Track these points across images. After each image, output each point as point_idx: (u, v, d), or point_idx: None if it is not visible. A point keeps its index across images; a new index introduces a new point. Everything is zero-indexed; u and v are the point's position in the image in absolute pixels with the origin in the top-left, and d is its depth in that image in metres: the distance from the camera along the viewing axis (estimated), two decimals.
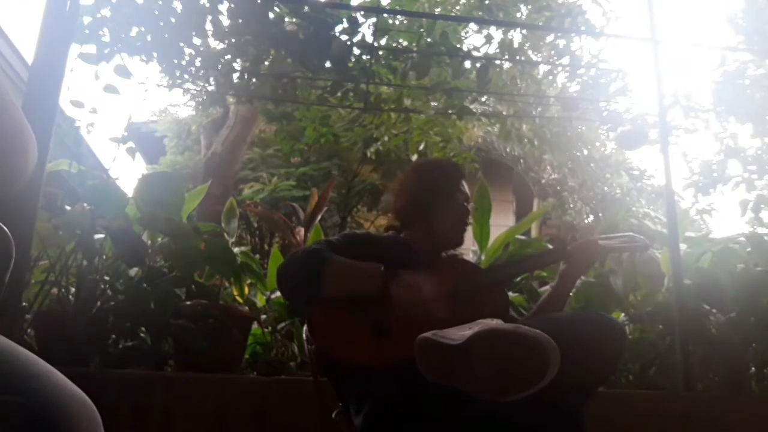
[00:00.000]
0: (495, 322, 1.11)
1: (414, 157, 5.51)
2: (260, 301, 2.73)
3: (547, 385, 0.99)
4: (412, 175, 1.65)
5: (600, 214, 9.75)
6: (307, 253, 1.39)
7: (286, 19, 3.50)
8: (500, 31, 6.40)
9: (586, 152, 9.78)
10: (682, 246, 2.87)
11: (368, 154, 6.58)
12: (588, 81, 6.32)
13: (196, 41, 3.52)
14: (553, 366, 0.98)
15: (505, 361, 1.02)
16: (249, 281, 2.73)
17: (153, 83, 4.29)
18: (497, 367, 1.02)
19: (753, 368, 2.68)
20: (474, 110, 4.69)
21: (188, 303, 2.32)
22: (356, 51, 3.63)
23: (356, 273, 1.36)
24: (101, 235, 2.36)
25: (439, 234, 1.55)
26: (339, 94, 3.82)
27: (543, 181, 10.52)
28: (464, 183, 1.61)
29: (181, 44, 3.45)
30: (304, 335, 1.46)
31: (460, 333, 1.05)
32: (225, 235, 2.81)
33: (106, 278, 2.34)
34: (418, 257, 1.51)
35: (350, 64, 3.59)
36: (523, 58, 6.30)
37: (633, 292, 2.78)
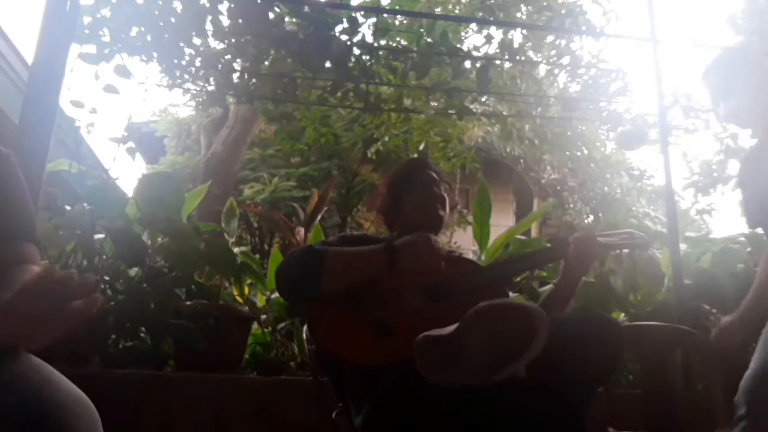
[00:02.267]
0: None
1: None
2: (260, 301, 2.73)
3: (548, 382, 0.99)
4: (383, 182, 1.74)
5: (600, 214, 9.75)
6: (304, 251, 1.39)
7: (286, 19, 3.50)
8: (500, 31, 6.40)
9: (586, 152, 9.78)
10: (682, 246, 2.86)
11: (368, 154, 6.59)
12: (588, 81, 6.31)
13: (196, 41, 3.52)
14: (541, 332, 0.98)
15: (495, 335, 1.03)
16: (249, 281, 2.73)
17: (153, 83, 4.29)
18: (488, 343, 1.03)
19: None
20: (474, 110, 4.69)
21: (188, 303, 2.32)
22: (356, 51, 3.63)
23: (359, 258, 1.37)
24: (101, 235, 2.36)
25: (415, 220, 1.57)
26: (339, 94, 3.82)
27: (543, 181, 10.52)
28: (430, 171, 1.64)
29: (181, 44, 3.45)
30: (304, 335, 1.46)
31: (454, 325, 1.06)
32: (225, 235, 2.81)
33: (106, 278, 2.34)
34: None
35: (350, 64, 3.59)
36: (523, 58, 6.30)
37: (633, 292, 2.78)
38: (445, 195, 1.62)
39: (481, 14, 6.20)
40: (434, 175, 1.64)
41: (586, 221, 10.16)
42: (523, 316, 1.00)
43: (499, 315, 1.03)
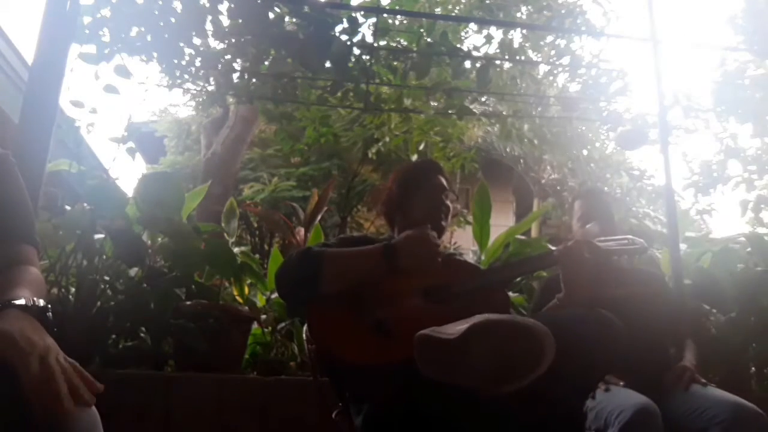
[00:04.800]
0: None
1: (414, 158, 5.52)
2: (260, 301, 2.73)
3: (547, 383, 0.99)
4: (390, 178, 1.74)
5: None
6: (303, 253, 1.40)
7: (286, 19, 3.49)
8: (500, 31, 6.41)
9: (586, 152, 9.79)
10: (682, 246, 2.86)
11: (368, 154, 6.59)
12: (588, 81, 6.32)
13: (196, 41, 3.51)
14: (548, 353, 0.99)
15: (501, 352, 1.02)
16: (249, 281, 2.73)
17: (153, 83, 4.30)
18: (494, 358, 1.03)
19: (753, 368, 2.67)
20: (474, 110, 4.70)
21: (188, 303, 2.32)
22: (356, 51, 3.62)
23: (357, 258, 1.37)
24: (101, 235, 2.36)
25: (417, 221, 1.56)
26: (339, 94, 3.82)
27: (543, 181, 10.53)
28: (439, 177, 1.65)
29: (181, 44, 3.44)
30: (304, 335, 1.46)
31: (457, 328, 1.06)
32: (225, 235, 2.81)
33: (106, 278, 2.34)
34: None
35: (350, 64, 3.59)
36: (523, 58, 6.30)
37: None
38: (450, 205, 1.63)
39: (481, 14, 6.20)
40: (444, 183, 1.64)
41: None
42: (531, 335, 1.00)
43: (507, 331, 1.03)
